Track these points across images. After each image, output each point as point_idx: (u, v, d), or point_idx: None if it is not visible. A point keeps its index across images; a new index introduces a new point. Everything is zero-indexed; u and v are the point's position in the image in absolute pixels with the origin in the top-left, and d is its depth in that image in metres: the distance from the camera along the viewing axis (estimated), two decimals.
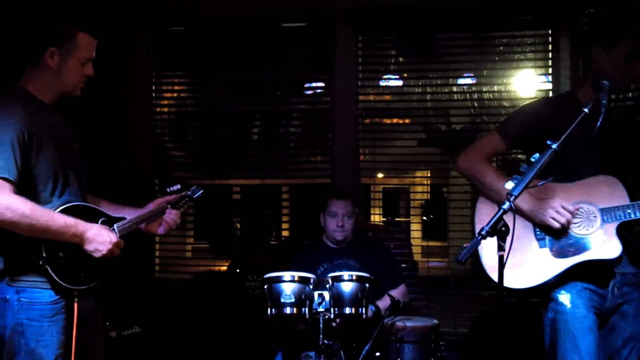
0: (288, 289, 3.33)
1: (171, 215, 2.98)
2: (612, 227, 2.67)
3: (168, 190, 3.01)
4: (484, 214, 2.91)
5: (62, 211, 2.56)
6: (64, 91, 2.70)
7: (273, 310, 3.34)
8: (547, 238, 2.76)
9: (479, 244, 2.29)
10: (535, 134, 2.81)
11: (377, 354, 3.40)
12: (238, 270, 4.93)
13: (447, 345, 3.51)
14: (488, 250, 2.76)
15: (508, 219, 2.27)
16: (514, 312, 3.38)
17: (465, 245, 2.93)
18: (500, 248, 2.29)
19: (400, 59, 5.00)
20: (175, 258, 5.08)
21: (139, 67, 4.94)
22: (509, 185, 2.32)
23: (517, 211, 2.73)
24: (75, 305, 2.55)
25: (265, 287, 3.39)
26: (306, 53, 4.92)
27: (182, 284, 4.88)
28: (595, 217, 2.72)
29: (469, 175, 2.99)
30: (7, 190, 2.41)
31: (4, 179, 2.42)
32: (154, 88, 5.06)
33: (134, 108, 4.84)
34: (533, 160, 2.38)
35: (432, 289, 4.65)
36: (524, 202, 2.76)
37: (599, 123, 2.45)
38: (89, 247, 2.57)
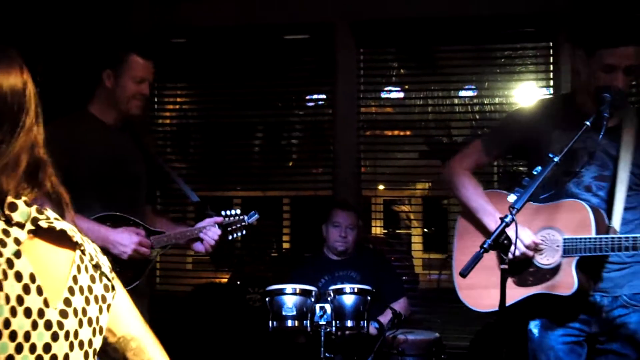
0: (290, 301, 3.32)
1: (211, 233, 2.87)
2: (571, 261, 2.52)
3: (223, 213, 2.95)
4: (462, 227, 2.88)
5: (97, 219, 2.70)
6: (121, 110, 2.88)
7: (274, 322, 3.33)
8: None
9: (481, 257, 2.29)
10: (526, 144, 2.76)
11: None
12: (239, 283, 4.92)
13: (449, 359, 3.50)
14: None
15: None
16: (516, 326, 3.36)
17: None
18: (503, 261, 2.29)
19: (402, 71, 5.01)
20: (176, 270, 5.06)
21: None
22: (511, 198, 2.31)
23: (484, 231, 2.70)
24: None
25: (267, 299, 3.38)
26: (308, 65, 4.93)
27: (182, 296, 4.86)
28: (558, 247, 2.56)
29: (449, 184, 2.93)
30: None
31: None
32: (156, 100, 5.07)
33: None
34: (535, 173, 2.37)
35: (434, 302, 4.63)
36: (492, 222, 2.64)
37: (600, 136, 2.43)
38: (114, 250, 2.66)
